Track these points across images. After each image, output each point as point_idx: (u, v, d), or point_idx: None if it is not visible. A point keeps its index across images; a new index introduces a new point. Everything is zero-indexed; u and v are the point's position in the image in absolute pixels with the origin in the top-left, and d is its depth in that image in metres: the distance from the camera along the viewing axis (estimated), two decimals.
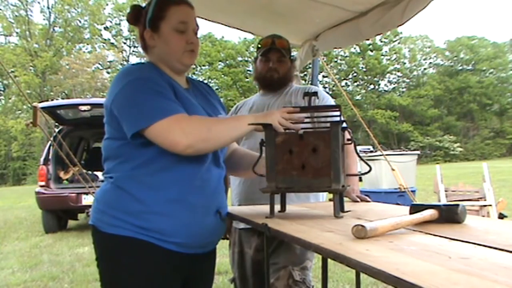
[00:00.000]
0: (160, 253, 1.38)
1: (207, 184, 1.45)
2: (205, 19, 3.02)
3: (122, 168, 1.41)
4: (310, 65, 3.28)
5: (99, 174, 7.35)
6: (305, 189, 1.46)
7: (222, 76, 42.87)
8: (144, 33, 1.49)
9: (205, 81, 1.89)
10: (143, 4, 1.55)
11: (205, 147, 1.36)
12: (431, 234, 1.11)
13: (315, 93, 1.56)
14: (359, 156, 1.56)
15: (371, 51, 47.09)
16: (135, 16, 1.52)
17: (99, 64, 41.58)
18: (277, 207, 1.55)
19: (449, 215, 1.25)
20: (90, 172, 7.49)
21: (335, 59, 46.06)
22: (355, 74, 47.47)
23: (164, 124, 1.30)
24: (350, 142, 1.51)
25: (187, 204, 1.40)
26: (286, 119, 1.42)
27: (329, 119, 1.50)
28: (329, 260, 1.42)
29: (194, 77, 1.68)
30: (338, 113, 1.46)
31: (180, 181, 1.40)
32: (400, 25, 2.43)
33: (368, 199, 1.97)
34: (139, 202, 1.37)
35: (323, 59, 3.61)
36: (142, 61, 1.58)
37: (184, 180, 1.40)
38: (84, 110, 7.27)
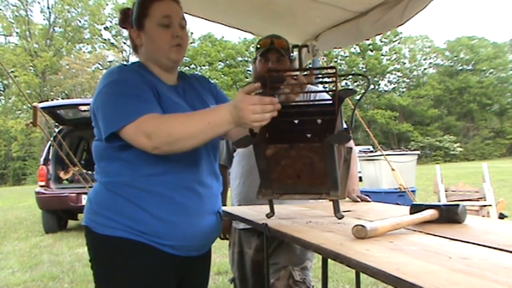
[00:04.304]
0: (154, 254, 1.37)
1: (201, 187, 1.44)
2: (205, 19, 3.02)
3: (110, 171, 1.41)
4: (310, 65, 3.28)
5: None
6: (302, 196, 1.39)
7: (222, 76, 42.85)
8: (131, 32, 1.49)
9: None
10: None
11: (171, 149, 1.28)
12: (431, 234, 1.11)
13: (306, 45, 1.47)
14: None
15: (371, 51, 47.06)
16: (123, 18, 1.52)
17: (99, 64, 41.54)
18: (279, 206, 1.55)
19: (449, 215, 1.25)
20: (90, 172, 7.48)
21: (335, 59, 46.03)
22: None
23: (132, 127, 1.27)
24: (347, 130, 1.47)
25: (182, 207, 1.39)
26: (258, 110, 1.19)
27: (324, 95, 1.48)
28: (329, 260, 1.42)
29: (184, 73, 1.63)
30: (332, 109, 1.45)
31: (172, 185, 1.38)
32: (400, 25, 2.43)
33: (369, 199, 1.97)
34: (133, 204, 1.36)
35: (323, 59, 3.61)
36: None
37: (176, 184, 1.39)
38: (84, 110, 7.25)
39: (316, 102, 1.62)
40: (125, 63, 1.57)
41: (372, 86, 47.48)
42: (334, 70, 1.38)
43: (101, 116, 1.35)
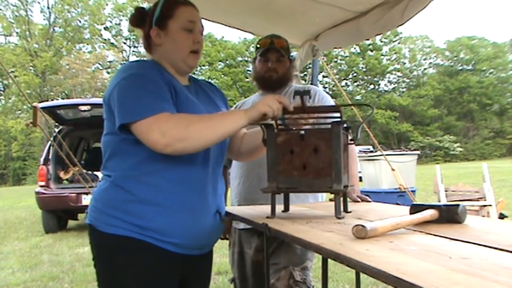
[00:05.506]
0: (157, 253, 1.38)
1: (207, 186, 1.46)
2: (205, 19, 3.01)
3: (122, 166, 1.41)
4: (310, 65, 3.27)
5: (99, 174, 7.34)
6: (306, 189, 1.44)
7: (222, 76, 42.84)
8: (151, 31, 1.50)
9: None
10: (144, 4, 1.57)
11: (184, 146, 1.30)
12: (431, 234, 1.11)
13: (308, 92, 1.47)
14: None
15: (371, 51, 47.03)
16: (139, 17, 1.54)
17: (99, 64, 41.57)
18: (279, 207, 1.55)
19: (450, 215, 1.25)
20: (90, 172, 7.49)
21: (335, 59, 46.03)
22: (355, 74, 47.42)
23: (146, 123, 1.29)
24: (352, 142, 1.52)
25: (186, 205, 1.40)
26: (278, 103, 1.37)
27: (328, 120, 1.50)
28: (329, 260, 1.42)
29: (195, 77, 1.67)
30: (338, 114, 1.46)
31: (181, 182, 1.40)
32: (400, 25, 2.42)
33: (369, 199, 1.97)
34: (138, 200, 1.37)
35: (323, 59, 3.61)
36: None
37: (184, 181, 1.40)
38: (84, 110, 7.25)
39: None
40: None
41: (371, 87, 47.47)
42: (339, 110, 1.48)
43: (118, 107, 1.35)
